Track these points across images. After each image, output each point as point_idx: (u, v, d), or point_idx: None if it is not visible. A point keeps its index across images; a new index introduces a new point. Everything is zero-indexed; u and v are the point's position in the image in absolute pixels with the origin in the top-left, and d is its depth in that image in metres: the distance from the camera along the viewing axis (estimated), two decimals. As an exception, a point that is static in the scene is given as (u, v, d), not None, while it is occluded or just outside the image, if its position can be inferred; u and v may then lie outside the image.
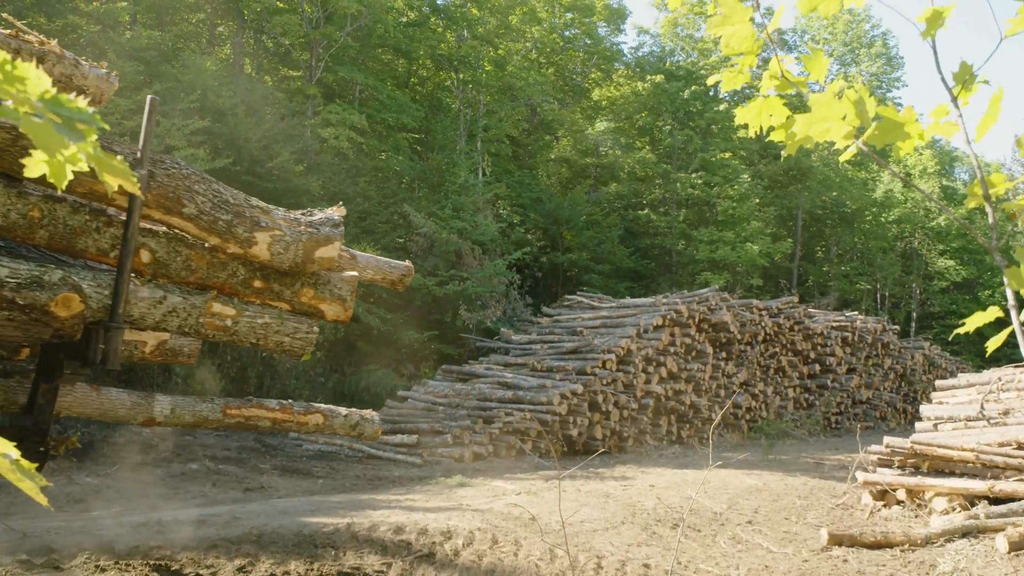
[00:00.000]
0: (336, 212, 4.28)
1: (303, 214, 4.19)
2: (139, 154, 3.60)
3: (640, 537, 6.77)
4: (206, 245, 3.91)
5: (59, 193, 3.50)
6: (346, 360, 17.37)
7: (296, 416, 4.29)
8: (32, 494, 1.29)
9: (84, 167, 1.18)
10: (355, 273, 4.58)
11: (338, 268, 4.60)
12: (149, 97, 3.63)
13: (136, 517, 6.57)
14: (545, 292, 23.05)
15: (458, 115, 24.72)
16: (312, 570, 5.18)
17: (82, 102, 1.20)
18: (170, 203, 3.59)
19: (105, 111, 14.00)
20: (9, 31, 3.52)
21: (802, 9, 1.84)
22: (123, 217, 3.57)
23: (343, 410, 4.51)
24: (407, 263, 5.06)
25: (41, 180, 3.27)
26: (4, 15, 4.08)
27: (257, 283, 4.11)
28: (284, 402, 4.34)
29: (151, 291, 3.74)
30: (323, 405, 4.46)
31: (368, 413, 4.62)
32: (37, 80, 1.14)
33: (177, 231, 3.83)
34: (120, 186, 1.26)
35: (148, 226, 3.79)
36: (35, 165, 1.17)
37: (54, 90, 1.17)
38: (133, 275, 3.67)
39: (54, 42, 3.74)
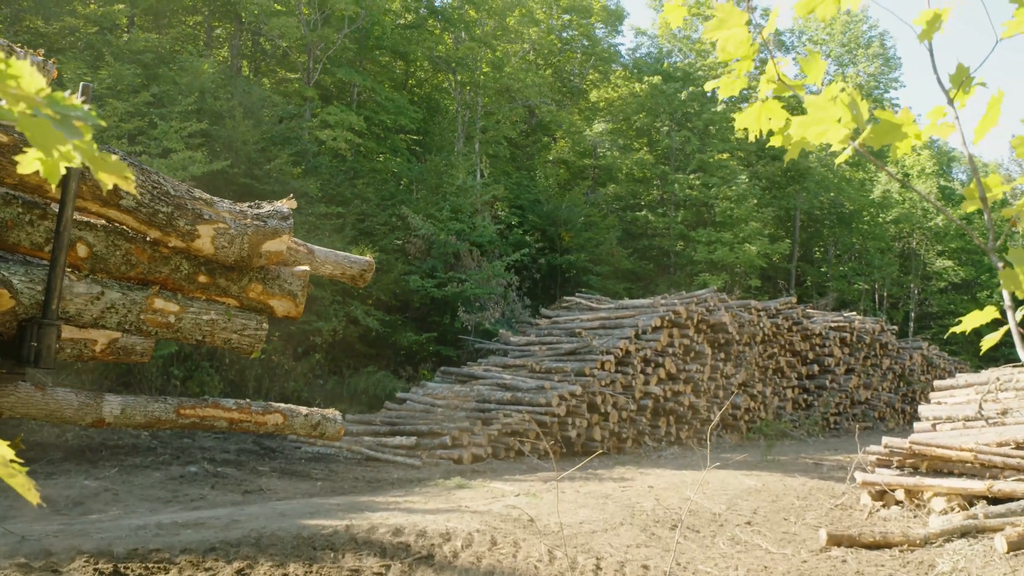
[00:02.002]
0: (285, 205, 4.15)
1: (250, 206, 4.05)
2: None
3: (639, 538, 6.76)
4: (147, 239, 3.78)
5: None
6: (345, 362, 17.37)
7: (254, 416, 4.19)
8: (22, 491, 1.28)
9: (77, 163, 1.18)
10: (306, 268, 4.44)
11: (293, 262, 4.47)
12: (82, 84, 3.54)
13: (135, 520, 6.56)
14: (543, 293, 23.04)
15: (456, 117, 24.73)
16: (311, 572, 5.17)
17: (77, 99, 1.20)
18: (107, 195, 3.47)
19: (103, 113, 13.99)
20: None
21: (800, 12, 1.84)
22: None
23: (303, 409, 4.41)
24: (368, 258, 4.88)
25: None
26: None
27: (202, 278, 3.98)
28: (241, 402, 4.21)
29: (88, 287, 3.61)
30: (282, 405, 4.34)
31: (331, 412, 4.51)
32: (32, 78, 1.14)
33: (116, 224, 3.70)
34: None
35: (86, 219, 3.66)
36: (29, 162, 1.17)
37: (49, 88, 1.17)
38: (70, 270, 3.56)
39: None
